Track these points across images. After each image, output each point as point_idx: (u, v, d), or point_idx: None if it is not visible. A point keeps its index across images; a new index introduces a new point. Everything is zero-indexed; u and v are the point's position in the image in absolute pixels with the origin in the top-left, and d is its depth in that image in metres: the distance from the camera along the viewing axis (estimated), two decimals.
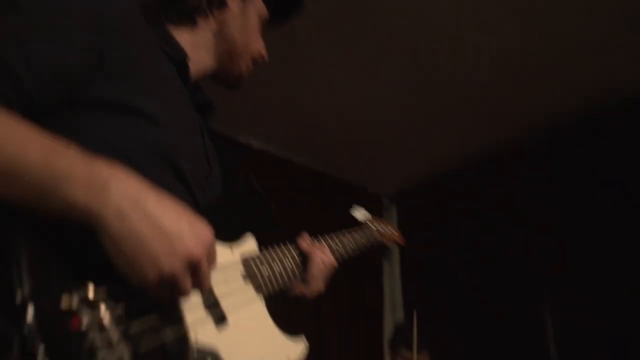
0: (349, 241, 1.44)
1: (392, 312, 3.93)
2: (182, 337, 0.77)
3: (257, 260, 1.04)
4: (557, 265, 3.05)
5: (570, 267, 2.99)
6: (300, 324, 3.30)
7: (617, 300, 2.77)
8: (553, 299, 2.76)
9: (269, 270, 1.05)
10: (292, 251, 1.20)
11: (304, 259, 1.22)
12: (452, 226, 3.76)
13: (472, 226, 3.63)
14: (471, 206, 3.68)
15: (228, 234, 0.99)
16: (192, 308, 0.83)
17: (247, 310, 0.95)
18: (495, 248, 3.44)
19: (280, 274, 1.10)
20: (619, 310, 2.76)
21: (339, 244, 1.39)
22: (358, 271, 3.85)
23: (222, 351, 0.84)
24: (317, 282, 1.23)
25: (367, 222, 1.64)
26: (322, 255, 1.25)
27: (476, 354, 3.32)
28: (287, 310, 1.10)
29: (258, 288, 1.01)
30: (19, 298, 0.62)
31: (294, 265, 1.17)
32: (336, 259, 1.31)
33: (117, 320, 0.69)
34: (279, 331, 1.03)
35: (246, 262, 1.00)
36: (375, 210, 4.17)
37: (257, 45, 1.16)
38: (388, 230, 1.69)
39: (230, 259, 0.97)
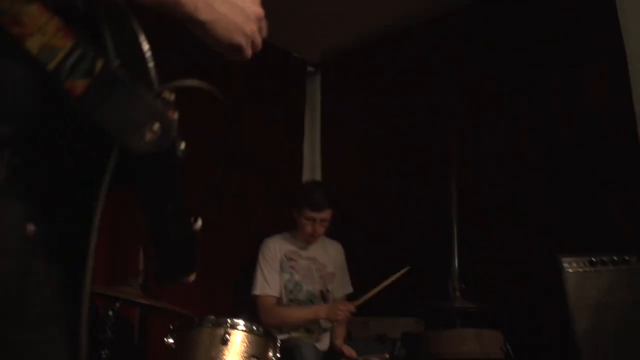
0: None
1: (311, 173, 4.11)
2: None
3: None
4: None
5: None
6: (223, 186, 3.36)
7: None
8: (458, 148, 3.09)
9: None
10: None
11: None
12: (375, 95, 3.88)
13: (395, 94, 3.76)
14: (395, 75, 3.79)
15: None
16: None
17: None
18: (413, 114, 3.63)
19: None
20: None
21: None
22: (279, 131, 3.95)
23: None
24: None
25: None
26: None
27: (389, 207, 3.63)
28: None
29: None
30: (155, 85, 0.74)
31: None
32: None
33: None
34: None
35: None
36: (299, 77, 4.25)
37: None
38: None
39: None
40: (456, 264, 2.73)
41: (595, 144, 2.84)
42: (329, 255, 3.23)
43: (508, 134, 3.18)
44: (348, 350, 2.85)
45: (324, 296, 3.10)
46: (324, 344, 3.01)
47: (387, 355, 2.57)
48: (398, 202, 3.59)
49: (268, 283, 3.06)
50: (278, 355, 2.28)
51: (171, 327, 2.26)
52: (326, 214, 3.06)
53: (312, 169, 4.13)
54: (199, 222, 0.92)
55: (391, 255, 3.50)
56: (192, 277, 0.94)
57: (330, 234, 3.33)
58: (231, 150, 3.61)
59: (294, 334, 2.94)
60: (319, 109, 4.24)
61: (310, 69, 4.31)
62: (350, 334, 3.18)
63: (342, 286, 3.23)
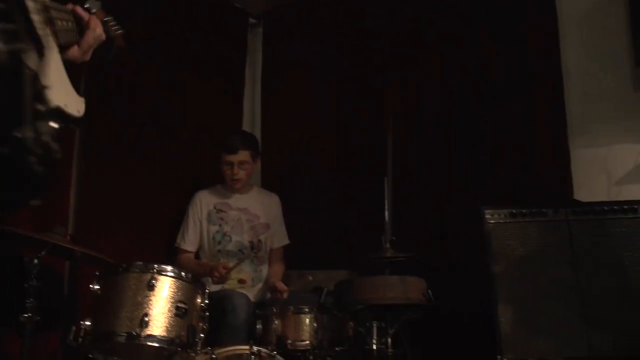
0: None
1: (251, 127, 4.07)
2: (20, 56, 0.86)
3: (54, 12, 1.07)
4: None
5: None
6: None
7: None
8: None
9: (60, 22, 1.10)
10: (70, 14, 1.24)
11: (80, 23, 1.28)
12: (317, 48, 3.85)
13: (337, 47, 3.75)
14: (337, 28, 3.77)
15: None
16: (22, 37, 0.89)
17: (51, 52, 1.02)
18: (354, 68, 3.63)
19: (66, 30, 1.15)
20: None
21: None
22: (218, 84, 3.88)
23: (42, 76, 0.95)
24: (87, 49, 1.33)
25: (99, 12, 1.64)
26: (97, 27, 1.34)
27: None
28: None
29: (54, 34, 1.06)
30: None
31: (73, 27, 1.23)
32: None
33: None
34: (70, 84, 1.12)
35: (45, 8, 1.02)
36: (240, 29, 4.15)
37: None
38: (113, 28, 1.73)
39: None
40: (386, 218, 2.78)
41: (524, 101, 2.94)
42: (263, 206, 3.23)
43: (442, 92, 3.24)
44: (280, 285, 2.90)
45: (254, 247, 3.10)
46: (258, 295, 3.05)
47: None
48: (336, 157, 3.62)
49: (184, 237, 3.12)
50: (206, 301, 2.29)
51: (97, 273, 2.22)
52: (243, 156, 3.06)
53: (252, 123, 4.09)
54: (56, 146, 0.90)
55: (328, 210, 3.56)
56: (36, 203, 0.91)
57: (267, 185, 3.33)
58: (168, 103, 3.52)
59: (227, 285, 2.96)
60: (260, 61, 4.17)
61: (252, 20, 4.22)
62: (287, 286, 3.24)
63: (277, 238, 3.25)
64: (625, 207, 2.30)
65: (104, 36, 1.39)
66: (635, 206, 2.28)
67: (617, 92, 2.78)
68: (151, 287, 2.12)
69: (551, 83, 2.89)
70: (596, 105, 2.82)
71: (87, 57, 1.35)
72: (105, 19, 1.65)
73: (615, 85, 2.78)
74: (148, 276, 2.15)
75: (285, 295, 2.86)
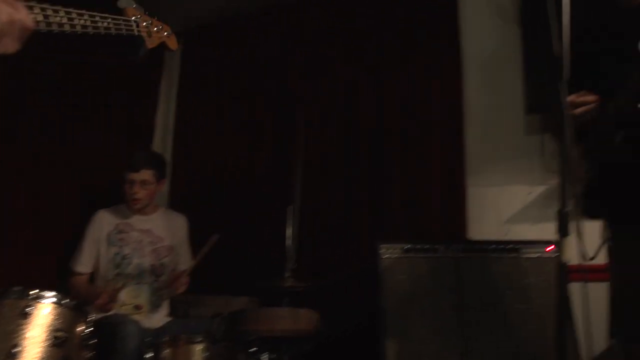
0: (81, 17, 1.34)
1: (163, 139, 4.00)
2: None
3: None
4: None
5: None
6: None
7: None
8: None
9: None
10: None
11: None
12: (233, 67, 3.85)
13: (251, 67, 3.77)
14: (252, 50, 3.78)
15: None
16: None
17: None
18: (267, 87, 3.67)
19: None
20: None
21: (60, 14, 1.28)
22: (131, 97, 3.78)
23: None
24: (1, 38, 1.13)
25: (128, 10, 1.53)
26: (13, 12, 1.13)
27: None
28: None
29: None
30: None
31: None
32: (37, 22, 1.21)
33: None
34: None
35: None
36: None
37: None
38: (154, 29, 1.65)
39: None
40: (288, 246, 2.79)
41: (426, 138, 3.05)
42: (168, 228, 3.12)
43: (343, 125, 3.32)
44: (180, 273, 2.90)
45: (155, 270, 2.99)
46: (153, 322, 2.93)
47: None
48: (244, 182, 3.60)
49: (78, 259, 2.98)
50: (90, 329, 2.19)
51: None
52: (146, 175, 2.97)
53: (164, 137, 4.01)
54: None
55: (234, 234, 3.51)
56: None
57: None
58: (76, 116, 3.38)
59: (121, 311, 2.84)
60: (177, 76, 4.11)
61: None
62: (187, 311, 3.15)
63: (182, 261, 3.15)
64: (509, 246, 2.42)
65: (28, 23, 1.16)
66: (517, 246, 2.41)
67: (510, 135, 2.94)
68: (25, 315, 2.00)
69: (453, 123, 3.01)
70: (492, 147, 2.97)
71: (6, 48, 1.13)
72: (134, 17, 1.53)
73: (509, 129, 2.94)
74: (23, 303, 2.02)
75: (182, 287, 2.84)
